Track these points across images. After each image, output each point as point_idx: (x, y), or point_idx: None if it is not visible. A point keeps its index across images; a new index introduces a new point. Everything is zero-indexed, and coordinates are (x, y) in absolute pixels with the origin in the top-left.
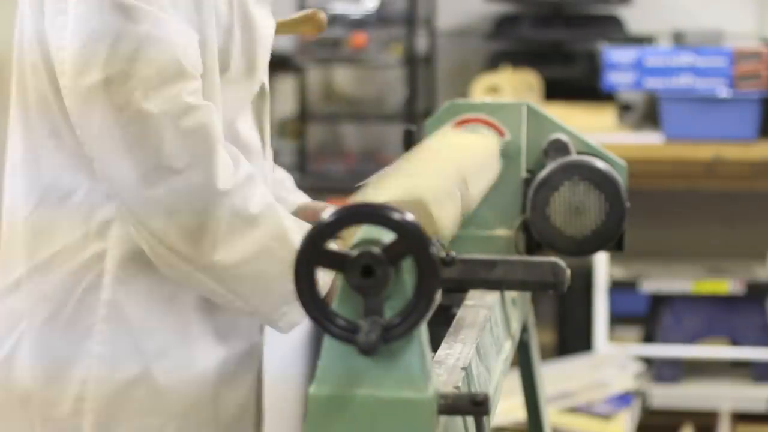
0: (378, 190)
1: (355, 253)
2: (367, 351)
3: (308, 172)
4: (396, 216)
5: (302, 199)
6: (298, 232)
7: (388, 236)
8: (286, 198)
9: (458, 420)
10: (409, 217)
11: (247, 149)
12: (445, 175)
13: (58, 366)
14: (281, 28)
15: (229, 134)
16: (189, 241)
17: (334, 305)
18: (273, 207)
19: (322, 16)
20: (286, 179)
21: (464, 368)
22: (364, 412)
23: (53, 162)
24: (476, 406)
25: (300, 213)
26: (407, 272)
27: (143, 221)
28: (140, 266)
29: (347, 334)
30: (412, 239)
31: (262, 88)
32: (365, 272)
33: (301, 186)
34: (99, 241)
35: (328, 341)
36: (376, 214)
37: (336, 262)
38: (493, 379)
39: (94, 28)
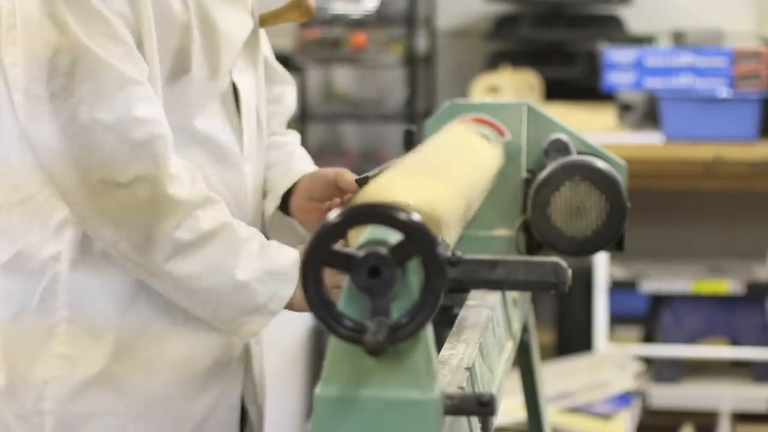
0: (385, 190)
1: (361, 253)
2: (375, 352)
3: None
4: (403, 216)
5: (311, 169)
6: (258, 250)
7: (394, 236)
8: (295, 167)
9: (463, 420)
10: (416, 217)
11: (218, 149)
12: (449, 174)
13: (21, 366)
14: (269, 19)
15: (192, 135)
16: (139, 252)
17: (341, 306)
18: (229, 225)
19: (310, 2)
20: (297, 150)
21: (468, 368)
22: (370, 412)
23: (21, 165)
24: (482, 406)
25: (306, 178)
26: (413, 272)
27: (95, 231)
28: (95, 268)
29: (354, 335)
30: (419, 239)
31: (234, 88)
32: (372, 273)
33: None
34: (55, 242)
35: (334, 342)
36: (382, 215)
37: (343, 262)
38: (495, 379)
39: (36, 43)
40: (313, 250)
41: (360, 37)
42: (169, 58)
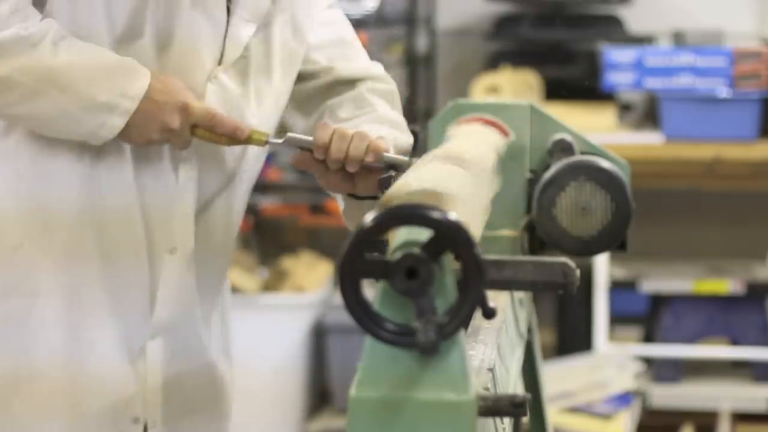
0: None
1: (396, 257)
2: (428, 350)
3: (308, 172)
4: (435, 214)
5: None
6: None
7: (424, 235)
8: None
9: (490, 420)
10: (445, 212)
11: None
12: (468, 175)
13: None
14: None
15: None
16: None
17: (379, 309)
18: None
19: None
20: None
21: (490, 369)
22: (405, 414)
23: None
24: (516, 407)
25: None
26: (449, 269)
27: None
28: None
29: (399, 338)
30: (453, 234)
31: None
32: (409, 274)
33: (301, 186)
34: None
35: (370, 344)
36: (414, 215)
37: (379, 270)
38: (511, 379)
39: None
40: (348, 259)
41: (360, 37)
42: (124, 16)
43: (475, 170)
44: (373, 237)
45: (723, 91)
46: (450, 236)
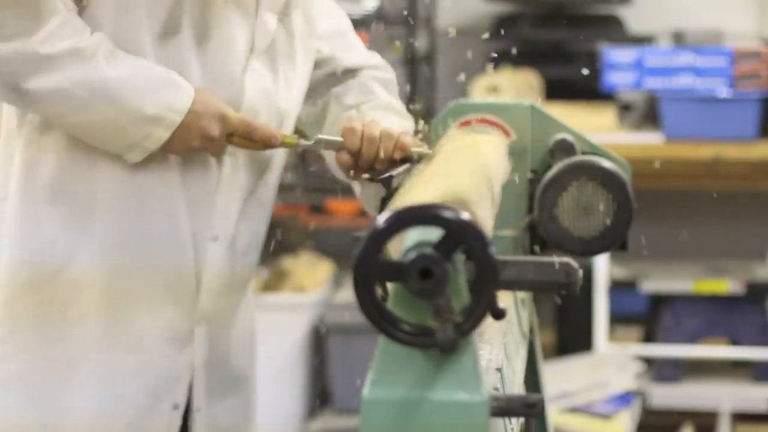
0: (419, 192)
1: (409, 258)
2: (448, 349)
3: (308, 172)
4: (446, 213)
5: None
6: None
7: (435, 235)
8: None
9: (500, 421)
10: (457, 211)
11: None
12: (478, 176)
13: None
14: None
15: None
16: (10, 99)
17: (394, 310)
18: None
19: None
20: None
21: (498, 369)
22: (418, 414)
23: None
24: (530, 407)
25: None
26: (461, 269)
27: None
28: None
29: (416, 338)
30: (463, 231)
31: None
32: (423, 275)
33: (301, 186)
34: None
35: (383, 345)
36: (426, 215)
37: (393, 272)
38: (517, 379)
39: None
40: (362, 262)
41: (360, 37)
42: (163, 14)
43: (480, 164)
44: (386, 239)
45: (723, 91)
46: (462, 235)
